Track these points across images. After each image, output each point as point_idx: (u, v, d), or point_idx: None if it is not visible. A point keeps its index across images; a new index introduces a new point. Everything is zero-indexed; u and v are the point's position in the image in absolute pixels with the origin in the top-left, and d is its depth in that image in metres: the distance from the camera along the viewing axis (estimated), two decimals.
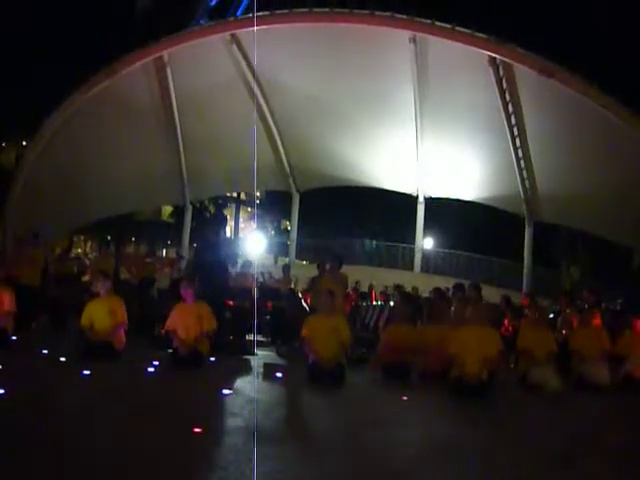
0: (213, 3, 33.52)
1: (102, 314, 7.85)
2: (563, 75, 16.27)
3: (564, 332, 9.43)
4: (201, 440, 4.40)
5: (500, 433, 5.32)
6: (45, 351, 7.72)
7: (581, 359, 7.99)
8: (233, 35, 19.00)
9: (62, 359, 7.23)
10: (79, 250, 33.29)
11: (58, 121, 19.03)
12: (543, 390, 7.21)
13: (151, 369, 7.12)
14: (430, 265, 23.89)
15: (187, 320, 7.67)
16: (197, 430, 4.52)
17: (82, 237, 36.84)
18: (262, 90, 20.61)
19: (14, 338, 8.41)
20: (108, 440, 4.25)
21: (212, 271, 9.57)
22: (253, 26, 17.87)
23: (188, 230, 24.97)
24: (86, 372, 6.45)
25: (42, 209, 19.07)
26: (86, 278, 12.85)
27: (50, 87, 21.91)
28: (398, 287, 13.12)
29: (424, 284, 16.81)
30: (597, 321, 8.77)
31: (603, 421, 6.01)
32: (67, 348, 7.72)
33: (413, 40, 17.79)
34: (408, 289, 16.11)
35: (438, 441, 4.95)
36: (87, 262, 15.10)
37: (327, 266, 10.35)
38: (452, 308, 9.22)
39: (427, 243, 26.41)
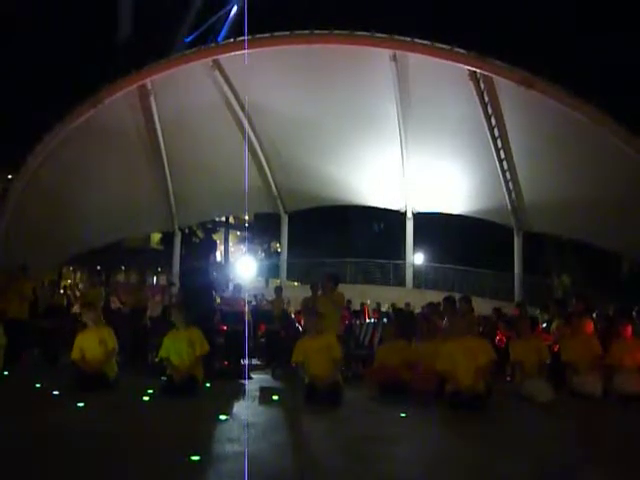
0: (189, 39, 33.99)
1: (92, 344, 7.78)
2: (542, 85, 16.47)
3: (556, 341, 9.42)
4: (199, 467, 4.35)
5: (499, 447, 5.28)
6: (38, 385, 7.62)
7: (574, 369, 7.99)
8: (215, 61, 19.12)
9: (55, 392, 7.13)
10: (69, 281, 33.02)
11: (44, 152, 19.02)
12: (535, 402, 7.20)
13: (146, 397, 7.04)
14: (422, 280, 23.88)
15: (179, 347, 7.62)
16: (195, 457, 4.47)
17: (71, 268, 36.57)
18: (246, 113, 20.70)
19: (5, 373, 8.31)
20: (108, 469, 4.20)
21: (200, 296, 9.54)
22: (234, 51, 18.05)
23: (178, 256, 24.91)
24: (80, 404, 6.37)
25: (30, 242, 18.95)
26: (76, 309, 12.75)
27: (34, 119, 21.93)
28: (393, 305, 13.14)
29: (416, 299, 16.83)
30: (588, 329, 8.75)
31: (599, 432, 5.99)
32: (60, 381, 7.62)
33: (394, 58, 17.97)
34: (401, 305, 16.19)
35: (438, 456, 4.92)
36: (77, 293, 14.96)
37: (321, 286, 10.29)
38: (444, 321, 9.21)
39: (417, 258, 26.42)
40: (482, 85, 17.88)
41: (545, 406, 7.10)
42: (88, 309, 8.44)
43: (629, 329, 8.33)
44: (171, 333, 7.87)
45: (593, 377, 7.77)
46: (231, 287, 12.87)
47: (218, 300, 11.51)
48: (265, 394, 7.87)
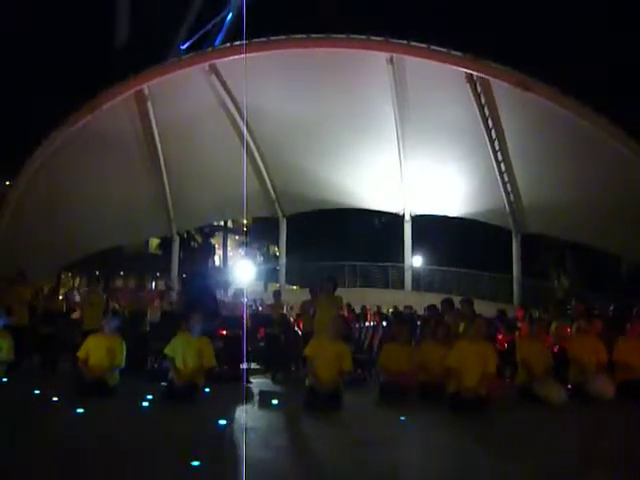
0: (185, 46, 34.02)
1: (100, 350, 7.74)
2: (539, 88, 16.50)
3: (557, 342, 9.41)
4: (200, 472, 4.33)
5: (503, 449, 5.27)
6: (37, 391, 7.59)
7: (579, 369, 7.97)
8: (212, 65, 19.14)
9: (55, 398, 7.10)
10: (69, 286, 32.95)
11: (41, 158, 19.01)
12: (547, 403, 7.17)
13: (146, 403, 7.02)
14: (421, 283, 23.89)
15: (187, 352, 7.57)
16: (195, 462, 4.45)
17: (70, 273, 36.53)
18: (244, 117, 20.72)
19: (4, 380, 8.28)
20: (107, 475, 4.20)
21: (201, 301, 9.53)
22: (231, 55, 18.07)
23: (176, 261, 24.91)
24: (80, 410, 6.34)
25: (28, 247, 18.92)
26: (76, 315, 12.70)
27: (31, 124, 21.92)
28: (395, 308, 13.11)
29: (416, 302, 16.80)
30: (594, 330, 8.75)
31: (605, 433, 5.98)
32: (60, 387, 7.59)
33: (390, 60, 18.01)
34: (400, 308, 16.17)
35: (441, 459, 4.92)
36: (77, 298, 14.92)
37: (320, 289, 10.28)
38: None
39: (416, 261, 26.41)
40: (479, 87, 17.93)
41: (552, 407, 7.08)
42: (110, 316, 8.47)
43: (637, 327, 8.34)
44: (182, 336, 7.81)
45: (601, 378, 7.74)
46: (232, 292, 12.82)
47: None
48: (265, 398, 7.84)
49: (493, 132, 18.94)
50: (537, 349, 7.96)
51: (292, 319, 13.40)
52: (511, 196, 20.60)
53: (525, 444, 5.41)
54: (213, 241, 43.34)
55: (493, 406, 6.78)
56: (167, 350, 7.70)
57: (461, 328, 8.15)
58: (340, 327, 7.87)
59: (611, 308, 12.26)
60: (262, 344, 12.02)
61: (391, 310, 16.79)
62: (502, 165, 19.74)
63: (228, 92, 20.03)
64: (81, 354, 7.78)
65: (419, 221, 23.56)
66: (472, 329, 7.36)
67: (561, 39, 27.32)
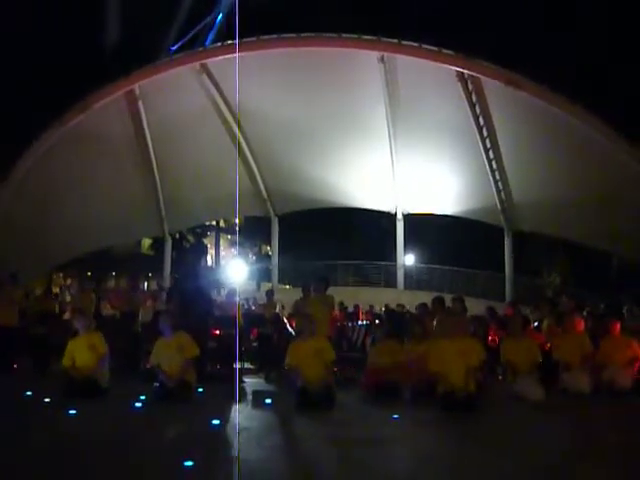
0: (175, 48, 33.90)
1: (83, 351, 7.77)
2: (530, 86, 16.57)
3: (549, 340, 9.45)
4: (194, 473, 4.34)
5: (492, 447, 5.29)
6: (29, 392, 7.57)
7: (565, 367, 8.03)
8: (203, 65, 19.11)
9: (46, 400, 7.08)
10: (60, 288, 32.78)
11: (32, 158, 18.94)
12: (526, 401, 7.21)
13: (139, 404, 7.01)
14: (413, 281, 23.92)
15: (169, 353, 7.59)
16: (188, 463, 4.45)
17: (61, 274, 36.34)
18: (235, 117, 20.70)
19: None
20: (101, 476, 4.20)
21: (194, 301, 9.52)
22: (222, 55, 18.04)
23: (169, 261, 24.84)
24: (72, 412, 6.33)
25: (20, 248, 18.85)
26: (67, 316, 12.67)
27: (23, 124, 21.82)
28: (387, 307, 13.12)
29: (408, 301, 16.84)
30: (579, 327, 8.80)
31: (591, 430, 6.01)
32: (51, 388, 7.57)
33: (382, 59, 18.04)
34: (393, 307, 16.20)
35: (433, 458, 4.93)
36: (68, 299, 14.90)
37: (312, 288, 10.27)
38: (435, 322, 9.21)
39: (408, 259, 26.46)
40: (470, 86, 17.97)
41: (536, 405, 7.12)
42: (79, 315, 8.43)
43: (617, 326, 8.41)
44: (159, 341, 7.85)
45: (582, 374, 7.82)
46: (224, 292, 12.81)
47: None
48: (258, 398, 7.85)
49: (484, 130, 18.99)
50: (522, 348, 7.94)
51: (285, 318, 13.41)
52: (503, 194, 20.65)
53: (515, 442, 5.43)
54: (205, 241, 43.27)
55: (484, 403, 6.80)
56: (152, 359, 7.76)
57: (446, 326, 8.16)
58: (309, 323, 7.82)
59: (602, 306, 12.32)
60: (255, 344, 12.02)
61: (383, 309, 16.84)
62: (493, 163, 19.79)
63: (220, 92, 20.01)
64: (66, 362, 7.80)
65: (411, 220, 23.60)
66: (438, 328, 7.40)
67: (552, 37, 27.44)
